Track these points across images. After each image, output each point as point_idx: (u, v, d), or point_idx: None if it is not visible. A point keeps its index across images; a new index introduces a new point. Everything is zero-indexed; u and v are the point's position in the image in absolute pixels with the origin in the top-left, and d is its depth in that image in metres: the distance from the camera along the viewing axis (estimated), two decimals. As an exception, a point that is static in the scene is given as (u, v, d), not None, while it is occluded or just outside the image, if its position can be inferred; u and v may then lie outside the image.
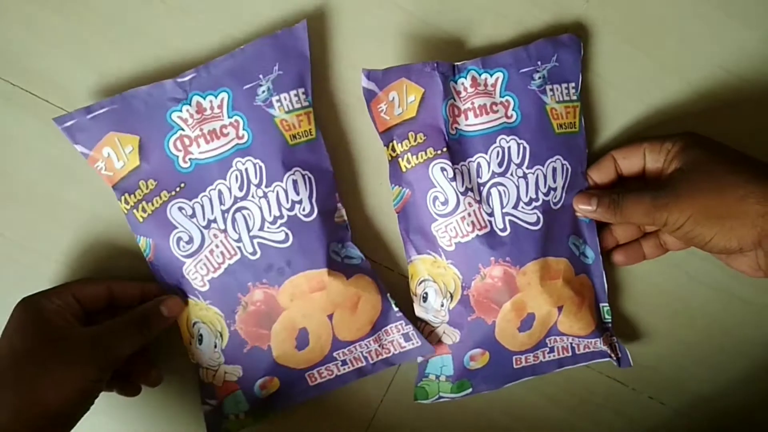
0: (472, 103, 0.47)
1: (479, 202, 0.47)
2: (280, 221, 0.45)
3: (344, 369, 0.48)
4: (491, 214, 0.47)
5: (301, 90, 0.46)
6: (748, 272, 0.45)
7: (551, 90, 0.48)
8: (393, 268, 0.51)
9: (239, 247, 0.45)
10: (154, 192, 0.45)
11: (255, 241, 0.45)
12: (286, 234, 0.45)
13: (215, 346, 0.47)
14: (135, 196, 0.45)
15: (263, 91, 0.45)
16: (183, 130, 0.45)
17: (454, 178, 0.46)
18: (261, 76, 0.45)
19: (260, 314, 0.46)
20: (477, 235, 0.47)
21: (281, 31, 0.45)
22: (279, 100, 0.45)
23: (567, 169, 0.48)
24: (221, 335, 0.46)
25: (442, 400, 0.50)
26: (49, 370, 0.39)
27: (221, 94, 0.45)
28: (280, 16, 0.48)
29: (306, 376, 0.48)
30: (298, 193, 0.45)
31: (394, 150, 0.47)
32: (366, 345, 0.48)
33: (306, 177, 0.46)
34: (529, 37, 0.49)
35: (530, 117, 0.48)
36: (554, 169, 0.48)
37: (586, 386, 0.55)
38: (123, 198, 0.45)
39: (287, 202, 0.45)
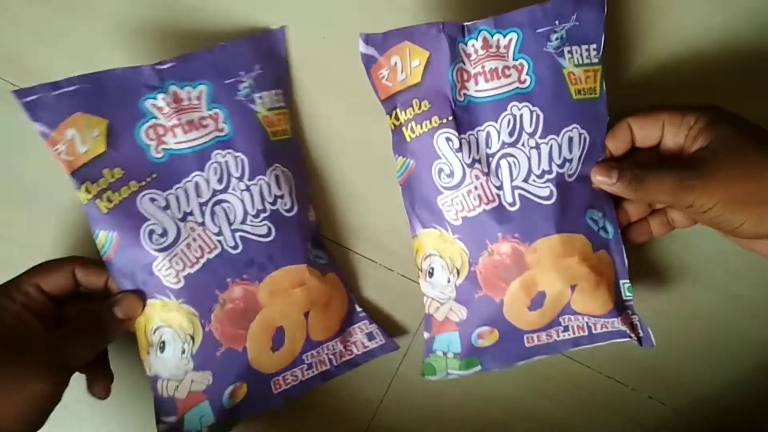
0: (483, 67, 0.44)
1: (487, 174, 0.44)
2: (263, 215, 0.45)
3: (309, 373, 0.47)
4: (500, 188, 0.44)
5: (279, 91, 0.47)
6: None
7: (569, 52, 0.44)
8: (393, 268, 0.51)
9: (220, 241, 0.44)
10: (121, 182, 0.43)
11: (237, 234, 0.44)
12: (269, 228, 0.45)
13: (183, 352, 0.44)
14: (98, 185, 0.42)
15: (245, 87, 0.45)
16: (157, 118, 0.43)
17: (460, 149, 0.43)
18: (242, 72, 0.45)
19: (238, 312, 0.45)
20: (484, 209, 0.44)
21: (261, 35, 0.47)
22: (261, 97, 0.46)
23: (585, 138, 0.45)
24: (192, 339, 0.44)
25: (450, 377, 0.49)
26: (0, 382, 0.36)
27: (200, 87, 0.44)
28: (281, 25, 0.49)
29: (272, 382, 0.47)
30: (280, 188, 0.45)
31: (397, 118, 0.45)
32: (332, 346, 0.48)
33: (285, 173, 0.46)
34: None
35: (545, 82, 0.44)
36: (570, 139, 0.44)
37: (586, 386, 0.54)
38: (84, 187, 0.42)
39: (270, 196, 0.45)
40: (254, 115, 0.45)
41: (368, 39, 0.43)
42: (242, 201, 0.45)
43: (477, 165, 0.44)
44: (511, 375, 0.53)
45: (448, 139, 0.44)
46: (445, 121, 0.44)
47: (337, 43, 0.49)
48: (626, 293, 0.48)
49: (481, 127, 0.44)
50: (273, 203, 0.45)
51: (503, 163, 0.44)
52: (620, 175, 0.43)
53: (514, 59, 0.44)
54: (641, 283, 0.52)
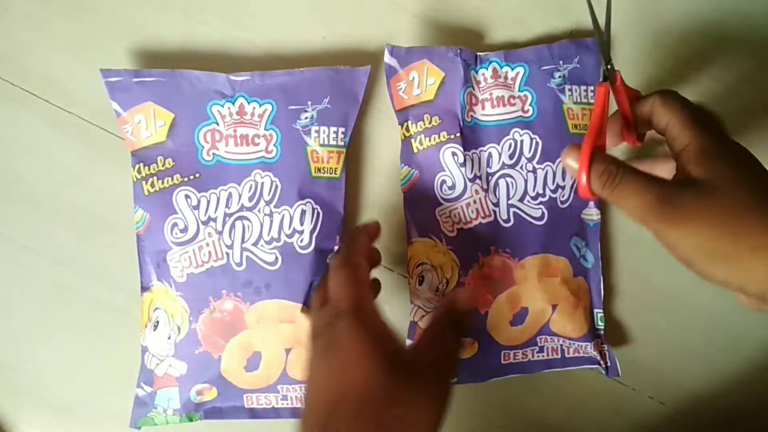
0: (491, 94, 0.47)
1: (486, 191, 0.47)
2: (275, 243, 0.46)
3: (283, 404, 0.48)
4: (497, 204, 0.47)
5: (341, 129, 0.47)
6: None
7: (570, 90, 0.48)
8: (393, 268, 0.51)
9: (228, 254, 0.46)
10: (168, 172, 0.46)
11: (245, 254, 0.46)
12: (277, 257, 0.46)
13: (169, 338, 0.47)
14: (149, 169, 0.46)
15: (306, 117, 0.46)
16: (217, 124, 0.46)
17: (464, 164, 0.46)
18: (309, 102, 0.46)
19: (223, 324, 0.46)
20: (480, 222, 0.47)
21: (344, 68, 0.46)
22: (318, 131, 0.46)
23: (577, 169, 0.48)
24: (179, 329, 0.46)
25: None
26: (411, 413, 0.33)
27: (265, 105, 0.46)
28: (281, 24, 0.49)
29: (244, 396, 0.48)
30: (302, 224, 0.46)
31: (408, 130, 0.48)
32: None
33: (315, 211, 0.47)
34: (530, 39, 0.50)
35: (546, 114, 0.48)
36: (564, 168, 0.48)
37: (586, 386, 0.54)
38: (137, 167, 0.46)
39: (289, 229, 0.46)
40: (304, 147, 0.46)
41: (393, 50, 0.46)
42: (261, 224, 0.46)
43: (478, 181, 0.47)
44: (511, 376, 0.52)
45: (453, 154, 0.47)
46: (453, 136, 0.47)
47: (338, 43, 0.49)
48: (599, 322, 0.51)
49: (484, 148, 0.48)
50: (290, 236, 0.46)
51: (501, 182, 0.47)
52: (594, 165, 0.35)
53: (519, 90, 0.48)
54: (641, 283, 0.53)
